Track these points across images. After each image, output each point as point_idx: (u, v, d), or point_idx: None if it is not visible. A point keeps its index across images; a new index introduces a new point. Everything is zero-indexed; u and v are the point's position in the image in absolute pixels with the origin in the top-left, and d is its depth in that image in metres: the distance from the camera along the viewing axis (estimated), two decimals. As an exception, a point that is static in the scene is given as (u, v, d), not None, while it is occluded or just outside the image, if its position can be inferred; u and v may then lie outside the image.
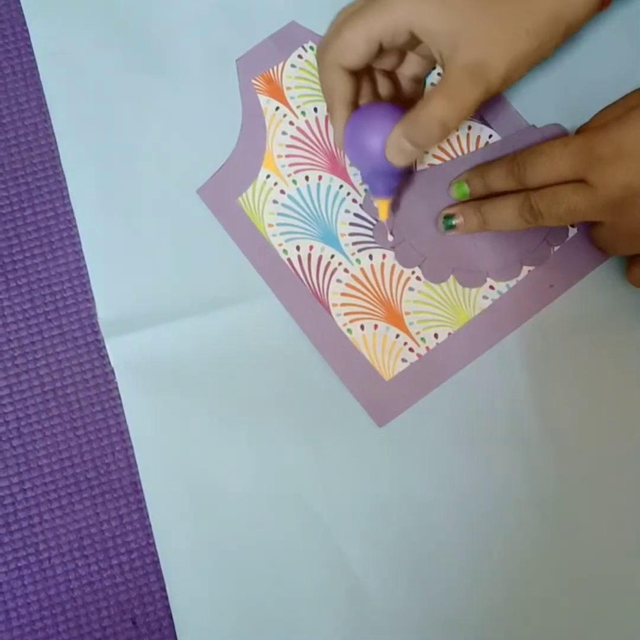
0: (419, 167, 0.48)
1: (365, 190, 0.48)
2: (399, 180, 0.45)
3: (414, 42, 0.43)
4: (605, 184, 0.40)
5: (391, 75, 0.47)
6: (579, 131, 0.44)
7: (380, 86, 0.46)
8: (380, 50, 0.42)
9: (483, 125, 0.48)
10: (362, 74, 0.45)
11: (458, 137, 0.48)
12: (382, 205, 0.46)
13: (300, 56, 0.49)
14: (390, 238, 0.47)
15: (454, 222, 0.46)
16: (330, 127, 0.48)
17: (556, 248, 0.47)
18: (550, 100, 0.48)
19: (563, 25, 0.41)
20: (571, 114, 0.47)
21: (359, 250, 0.47)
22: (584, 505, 0.45)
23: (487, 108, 0.48)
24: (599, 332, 0.46)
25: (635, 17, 0.49)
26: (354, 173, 0.48)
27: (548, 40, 0.41)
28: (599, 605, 0.44)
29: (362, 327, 0.47)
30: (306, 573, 0.45)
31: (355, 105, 0.44)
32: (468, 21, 0.40)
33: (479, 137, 0.48)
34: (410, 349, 0.46)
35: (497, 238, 0.47)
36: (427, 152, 0.48)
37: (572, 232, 0.47)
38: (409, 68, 0.46)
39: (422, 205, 0.47)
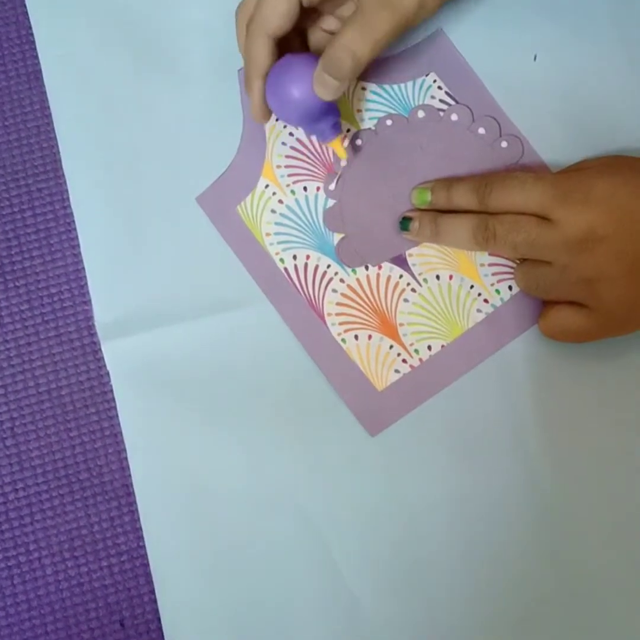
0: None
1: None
2: (339, 116, 0.45)
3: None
4: (570, 222, 0.41)
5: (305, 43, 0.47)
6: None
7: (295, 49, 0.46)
8: (302, 11, 0.42)
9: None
10: (282, 46, 0.44)
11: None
12: (336, 146, 0.46)
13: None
14: (331, 186, 0.48)
15: (409, 226, 0.46)
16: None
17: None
18: (548, 113, 0.49)
19: None
20: (572, 130, 0.48)
21: (355, 261, 0.48)
22: (582, 517, 0.45)
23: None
24: (597, 345, 0.46)
25: (635, 42, 0.49)
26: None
27: None
28: (596, 619, 0.45)
29: (356, 337, 0.47)
30: (298, 579, 0.46)
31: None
32: None
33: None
34: (404, 360, 0.47)
35: None
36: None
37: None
38: (328, 26, 0.46)
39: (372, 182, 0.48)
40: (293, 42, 0.46)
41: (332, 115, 0.45)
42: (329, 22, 0.46)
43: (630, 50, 0.49)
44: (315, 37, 0.46)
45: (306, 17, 0.44)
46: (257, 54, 0.43)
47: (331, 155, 0.48)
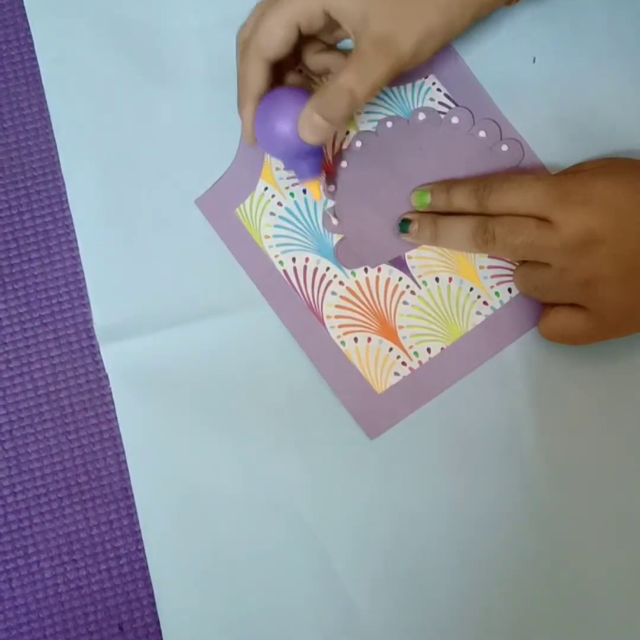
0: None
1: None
2: (321, 158, 0.46)
3: (331, 26, 0.43)
4: (569, 223, 0.41)
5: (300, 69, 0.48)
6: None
7: (291, 79, 0.47)
8: (300, 37, 0.43)
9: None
10: (278, 68, 0.45)
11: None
12: (313, 187, 0.47)
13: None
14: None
15: (408, 228, 0.46)
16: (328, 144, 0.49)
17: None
18: (544, 116, 0.49)
19: (474, 6, 0.42)
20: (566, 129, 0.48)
21: (355, 263, 0.48)
22: (581, 519, 0.45)
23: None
24: (596, 347, 0.46)
25: (632, 45, 0.49)
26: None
27: (458, 18, 0.42)
28: (595, 621, 0.45)
29: (355, 339, 0.47)
30: (295, 583, 0.46)
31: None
32: None
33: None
34: (403, 363, 0.47)
35: None
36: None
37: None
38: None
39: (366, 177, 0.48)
40: (289, 63, 0.46)
41: (313, 157, 0.45)
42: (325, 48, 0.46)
43: (627, 53, 0.49)
44: (311, 61, 0.47)
45: (304, 40, 0.45)
46: (251, 77, 0.44)
47: (330, 157, 0.48)
